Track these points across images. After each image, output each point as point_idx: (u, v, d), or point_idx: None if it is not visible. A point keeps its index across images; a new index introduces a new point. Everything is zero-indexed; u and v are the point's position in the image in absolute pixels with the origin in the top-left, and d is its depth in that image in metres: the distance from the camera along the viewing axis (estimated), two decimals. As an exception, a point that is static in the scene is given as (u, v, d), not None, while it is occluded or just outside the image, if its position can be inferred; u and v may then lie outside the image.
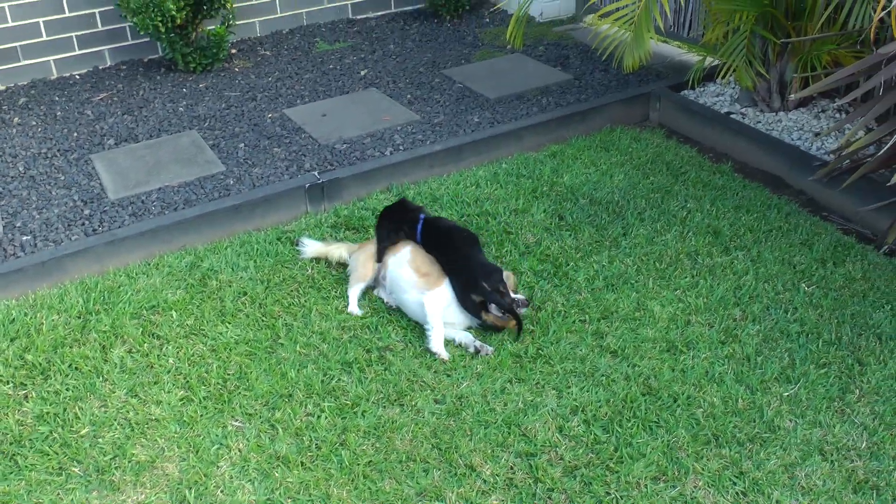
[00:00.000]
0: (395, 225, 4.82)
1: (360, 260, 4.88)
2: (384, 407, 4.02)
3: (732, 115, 6.80)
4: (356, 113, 6.94)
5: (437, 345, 4.30)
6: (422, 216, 4.83)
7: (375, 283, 4.86)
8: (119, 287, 4.90)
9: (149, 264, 5.14)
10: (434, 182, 6.00)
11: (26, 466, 3.74)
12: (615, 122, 6.98)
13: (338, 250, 5.07)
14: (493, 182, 5.98)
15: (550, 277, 4.94)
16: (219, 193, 5.78)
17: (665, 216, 5.51)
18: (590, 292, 4.79)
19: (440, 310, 4.38)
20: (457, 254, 4.55)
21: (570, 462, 3.68)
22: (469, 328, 4.51)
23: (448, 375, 4.23)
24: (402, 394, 4.10)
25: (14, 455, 3.77)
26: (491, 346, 4.33)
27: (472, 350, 4.25)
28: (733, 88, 7.14)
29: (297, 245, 5.08)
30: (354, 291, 4.74)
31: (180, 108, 7.10)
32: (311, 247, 5.09)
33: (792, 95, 6.60)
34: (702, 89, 7.24)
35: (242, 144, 6.47)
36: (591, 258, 5.09)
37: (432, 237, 4.73)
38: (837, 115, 6.60)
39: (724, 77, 6.82)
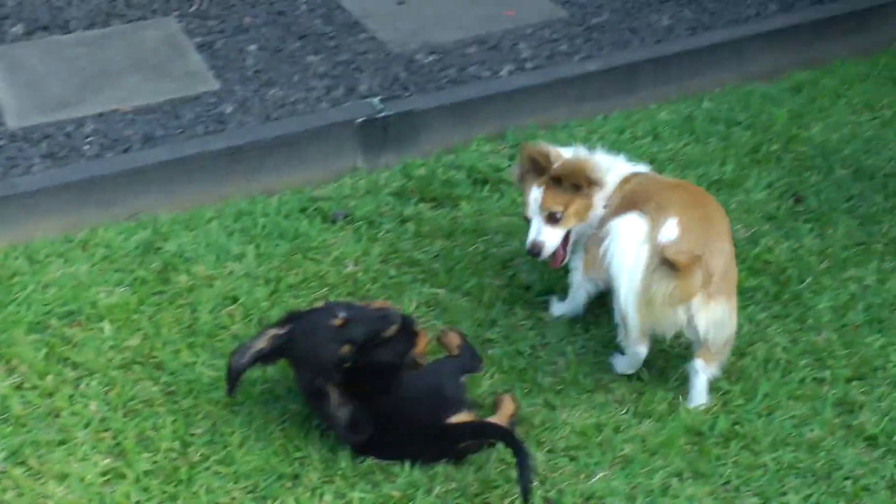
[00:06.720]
0: None
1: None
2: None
3: None
4: (456, 0, 5.84)
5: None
6: None
7: None
8: (13, 277, 4.13)
9: (71, 240, 4.31)
10: (580, 127, 5.02)
11: None
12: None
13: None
14: (685, 131, 5.06)
15: (768, 302, 4.17)
16: (205, 127, 4.79)
17: None
18: (837, 331, 4.03)
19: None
20: None
21: None
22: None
23: (571, 458, 3.51)
24: (482, 489, 3.39)
25: None
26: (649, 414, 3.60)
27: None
28: None
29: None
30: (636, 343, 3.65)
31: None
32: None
33: None
34: None
35: (254, 46, 5.38)
36: (847, 272, 4.32)
37: None
38: None
39: None
